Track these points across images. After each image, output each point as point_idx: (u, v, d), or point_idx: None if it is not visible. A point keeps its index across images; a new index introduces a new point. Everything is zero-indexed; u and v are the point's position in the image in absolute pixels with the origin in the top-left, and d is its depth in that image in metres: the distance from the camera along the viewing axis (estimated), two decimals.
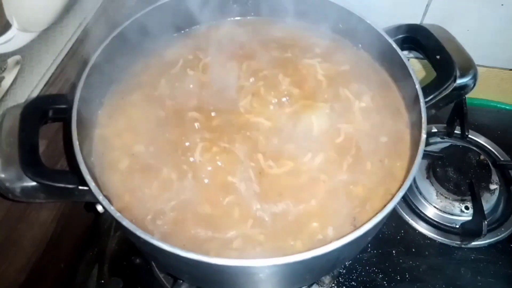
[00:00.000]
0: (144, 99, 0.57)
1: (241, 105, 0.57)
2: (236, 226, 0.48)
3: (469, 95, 0.94)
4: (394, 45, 0.55)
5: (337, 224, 0.47)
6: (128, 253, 0.71)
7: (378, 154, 0.52)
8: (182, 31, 0.66)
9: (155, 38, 0.62)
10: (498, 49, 0.86)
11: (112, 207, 0.44)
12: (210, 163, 0.52)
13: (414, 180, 0.76)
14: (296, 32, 0.67)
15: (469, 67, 0.55)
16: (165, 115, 0.55)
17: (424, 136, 0.47)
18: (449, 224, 0.72)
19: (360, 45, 0.63)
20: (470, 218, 0.70)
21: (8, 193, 0.47)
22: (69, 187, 0.47)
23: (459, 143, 0.78)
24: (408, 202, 0.75)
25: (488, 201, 0.72)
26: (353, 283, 0.67)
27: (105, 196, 0.46)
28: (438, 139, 0.81)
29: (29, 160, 0.47)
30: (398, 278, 0.67)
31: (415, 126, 0.51)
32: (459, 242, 0.70)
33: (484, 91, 0.95)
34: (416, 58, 0.89)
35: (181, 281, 0.63)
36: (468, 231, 0.69)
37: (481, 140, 0.82)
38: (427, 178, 0.75)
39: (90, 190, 0.45)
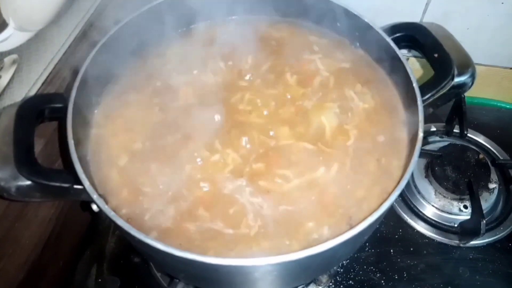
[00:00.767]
0: (141, 99, 0.56)
1: (242, 104, 0.57)
2: (233, 226, 0.48)
3: (469, 94, 0.94)
4: (392, 44, 0.55)
5: (333, 223, 0.47)
6: (126, 252, 0.71)
7: (375, 153, 0.52)
8: (180, 30, 0.66)
9: (153, 37, 0.62)
10: (498, 48, 0.86)
11: (106, 206, 0.44)
12: (209, 163, 0.51)
13: (413, 179, 0.76)
14: (294, 31, 0.67)
15: (467, 65, 0.54)
16: (163, 115, 0.55)
17: (421, 135, 0.47)
18: (447, 223, 0.72)
19: (358, 44, 0.63)
20: (468, 217, 0.70)
21: (3, 192, 0.46)
22: (64, 186, 0.47)
23: (458, 142, 0.78)
24: (406, 201, 0.74)
25: (487, 200, 0.72)
26: (350, 282, 0.67)
27: (100, 195, 0.46)
28: (437, 138, 0.81)
29: (24, 159, 0.47)
30: (396, 277, 0.67)
31: (413, 125, 0.51)
32: (457, 241, 0.70)
33: (484, 90, 0.95)
34: (415, 56, 0.89)
35: (178, 280, 0.63)
36: (467, 230, 0.68)
37: (481, 139, 0.82)
38: (426, 177, 0.75)
39: (85, 189, 0.45)
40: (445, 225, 0.72)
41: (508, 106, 0.95)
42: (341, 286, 0.66)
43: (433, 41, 0.55)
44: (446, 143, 0.77)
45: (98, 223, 0.75)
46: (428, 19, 0.81)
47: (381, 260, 0.69)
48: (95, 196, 0.44)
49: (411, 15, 0.81)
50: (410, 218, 0.73)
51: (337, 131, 0.55)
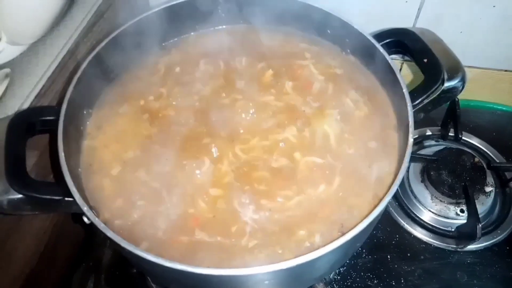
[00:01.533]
0: (133, 110, 0.57)
1: (237, 116, 0.57)
2: (226, 235, 0.48)
3: (464, 97, 0.94)
4: (381, 49, 0.55)
5: (324, 231, 0.47)
6: (123, 263, 0.71)
7: (367, 159, 0.52)
8: (171, 40, 0.66)
9: (143, 49, 0.62)
10: (492, 50, 0.86)
11: (97, 219, 0.44)
12: (201, 174, 0.52)
13: (409, 183, 0.75)
14: (285, 39, 0.67)
15: (457, 69, 0.54)
16: (156, 127, 0.55)
17: (411, 140, 0.47)
18: (444, 228, 0.71)
19: (348, 50, 0.63)
20: (465, 221, 0.70)
21: None
22: (55, 198, 0.47)
23: (453, 145, 0.78)
24: (403, 206, 0.74)
25: (484, 204, 0.72)
26: None
27: (92, 207, 0.47)
28: (433, 142, 0.81)
29: (15, 172, 0.47)
30: (393, 283, 0.67)
31: (404, 130, 0.51)
32: (454, 246, 0.69)
33: (479, 92, 0.94)
34: (406, 61, 0.89)
35: None
36: (463, 234, 0.68)
37: (476, 142, 0.81)
38: (422, 181, 0.74)
39: (75, 201, 0.45)
40: (442, 229, 0.71)
41: (503, 108, 0.95)
42: None
43: (423, 46, 0.55)
44: (441, 147, 0.77)
45: (94, 235, 0.75)
46: (421, 23, 0.81)
47: (378, 266, 0.68)
48: (85, 209, 0.44)
49: (404, 19, 0.81)
50: (407, 223, 0.72)
51: (339, 140, 0.55)
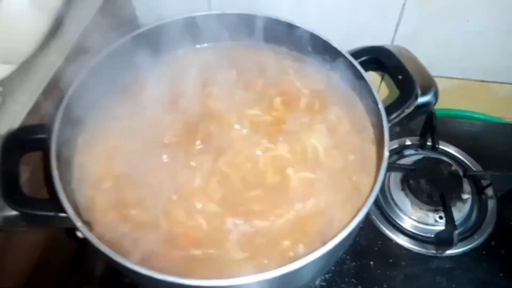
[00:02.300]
0: (123, 126, 0.59)
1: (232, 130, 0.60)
2: (218, 249, 0.50)
3: (443, 106, 0.98)
4: (358, 67, 0.58)
5: (307, 241, 0.49)
6: (116, 275, 0.72)
7: (346, 172, 0.55)
8: (158, 57, 0.69)
9: (134, 66, 0.64)
10: (467, 62, 0.90)
11: (90, 233, 0.46)
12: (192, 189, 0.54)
13: (390, 192, 0.78)
14: (270, 55, 0.70)
15: (429, 85, 0.58)
16: (144, 143, 0.57)
17: (386, 154, 0.50)
18: (424, 234, 0.74)
19: (328, 67, 0.66)
20: (443, 227, 0.73)
21: None
22: (49, 214, 0.49)
23: (431, 154, 0.81)
24: (384, 214, 0.77)
25: (461, 210, 0.75)
26: None
27: (85, 222, 0.49)
28: (412, 151, 0.84)
29: (10, 190, 0.49)
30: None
31: (381, 144, 0.54)
32: (434, 251, 0.73)
33: (457, 102, 0.98)
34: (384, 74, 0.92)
35: None
36: (442, 240, 0.71)
37: (453, 150, 0.85)
38: (402, 190, 0.78)
39: (69, 217, 0.47)
40: (422, 236, 0.74)
41: (480, 117, 0.98)
42: None
43: (397, 64, 0.59)
44: (420, 156, 0.80)
45: (87, 246, 0.76)
46: (399, 38, 0.85)
47: (361, 272, 0.71)
48: (79, 224, 0.46)
49: (383, 35, 0.85)
50: (388, 230, 0.76)
51: (327, 154, 0.58)
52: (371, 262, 0.73)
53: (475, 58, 0.89)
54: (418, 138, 0.85)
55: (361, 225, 0.47)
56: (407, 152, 0.84)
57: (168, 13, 0.66)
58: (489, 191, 0.79)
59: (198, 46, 0.71)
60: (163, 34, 0.66)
